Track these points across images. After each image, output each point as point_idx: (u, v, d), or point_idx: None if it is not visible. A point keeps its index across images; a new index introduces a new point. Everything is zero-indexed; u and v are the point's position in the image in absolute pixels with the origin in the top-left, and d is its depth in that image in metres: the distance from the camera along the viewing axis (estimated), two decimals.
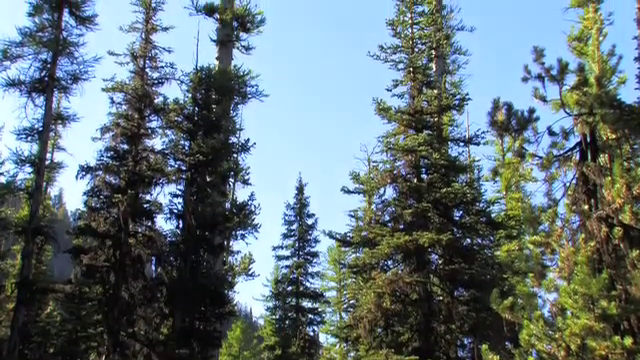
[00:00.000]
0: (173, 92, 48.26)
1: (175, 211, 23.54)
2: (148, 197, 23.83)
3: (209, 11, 27.49)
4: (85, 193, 23.19)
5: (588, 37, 14.03)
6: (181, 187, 23.86)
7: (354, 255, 29.63)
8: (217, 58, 27.38)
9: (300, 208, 42.21)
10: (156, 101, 24.65)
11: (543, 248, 12.39)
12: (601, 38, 13.33)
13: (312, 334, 41.45)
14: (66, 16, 23.91)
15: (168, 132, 24.57)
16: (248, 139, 25.84)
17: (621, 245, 11.40)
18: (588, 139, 13.15)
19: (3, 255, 27.35)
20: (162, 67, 25.11)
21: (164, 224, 23.88)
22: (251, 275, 32.33)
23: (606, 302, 10.24)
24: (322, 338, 44.46)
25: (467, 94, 24.71)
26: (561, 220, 12.60)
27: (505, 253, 24.97)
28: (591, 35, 13.62)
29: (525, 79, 13.85)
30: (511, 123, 13.86)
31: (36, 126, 22.90)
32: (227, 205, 25.61)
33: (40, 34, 23.30)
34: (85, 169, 23.20)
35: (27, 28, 23.13)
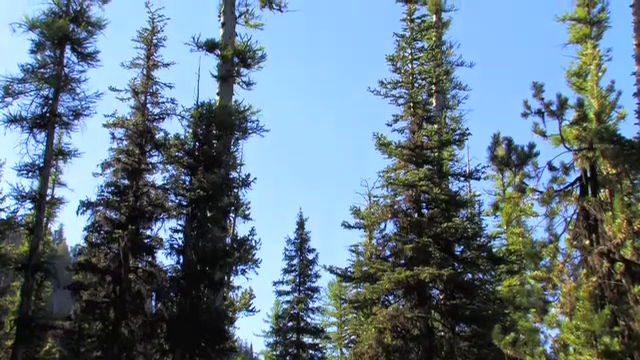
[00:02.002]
0: (174, 127, 48.50)
1: (176, 246, 23.48)
2: (149, 232, 23.80)
3: (210, 47, 27.66)
4: (86, 229, 23.16)
5: (587, 73, 14.11)
6: (182, 222, 23.81)
7: (355, 290, 29.58)
8: (218, 93, 27.50)
9: (301, 243, 42.13)
10: (157, 136, 24.69)
11: (545, 283, 12.36)
12: (600, 74, 13.41)
13: None
14: (68, 53, 24.05)
15: (169, 167, 24.58)
16: (249, 174, 25.91)
17: (623, 280, 11.37)
18: (588, 174, 13.17)
19: (2, 291, 27.26)
20: (163, 102, 25.20)
21: (164, 259, 23.89)
22: (252, 311, 32.23)
23: (609, 338, 10.19)
24: None
25: (467, 129, 24.82)
26: (562, 255, 12.58)
27: (506, 288, 24.87)
28: (590, 71, 13.70)
29: (525, 114, 13.91)
30: (511, 158, 13.89)
31: (37, 162, 22.92)
32: (228, 240, 25.57)
33: (42, 70, 23.41)
34: (86, 204, 23.18)
35: (29, 65, 23.25)
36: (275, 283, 41.64)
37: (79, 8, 24.52)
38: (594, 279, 11.22)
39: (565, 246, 12.63)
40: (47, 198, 24.73)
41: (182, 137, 24.51)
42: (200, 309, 22.32)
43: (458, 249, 22.87)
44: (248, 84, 28.16)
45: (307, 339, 41.05)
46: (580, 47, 28.40)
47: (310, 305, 41.22)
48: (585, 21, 30.29)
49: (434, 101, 30.92)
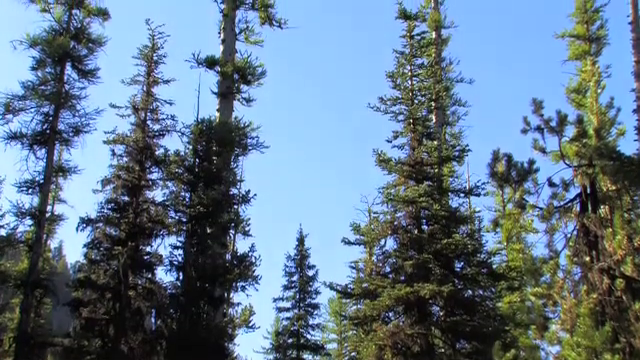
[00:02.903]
0: (174, 144, 48.41)
1: (175, 263, 23.43)
2: (148, 249, 23.75)
3: (210, 64, 27.72)
4: (85, 245, 23.12)
5: (586, 89, 14.18)
6: (181, 239, 23.77)
7: (355, 307, 29.49)
8: (218, 110, 27.53)
9: (301, 259, 41.99)
10: (157, 153, 24.70)
11: (545, 300, 12.34)
12: (599, 90, 13.45)
13: None
14: (68, 70, 24.13)
15: (169, 184, 24.56)
16: (249, 190, 25.89)
17: (624, 297, 11.35)
18: (588, 190, 13.19)
19: (2, 309, 27.19)
20: (163, 119, 25.21)
21: (164, 276, 23.75)
22: (251, 327, 32.16)
23: (610, 355, 10.16)
24: None
25: (467, 145, 24.86)
26: (563, 272, 12.57)
27: (507, 305, 24.83)
28: (589, 87, 13.75)
29: (525, 131, 13.94)
30: (511, 174, 13.91)
31: (37, 179, 22.93)
32: (228, 257, 25.52)
33: (42, 87, 23.47)
34: (85, 221, 23.17)
35: (30, 82, 23.32)
36: (275, 300, 41.48)
37: (80, 25, 24.63)
38: (595, 296, 11.20)
39: (565, 262, 12.63)
40: (47, 215, 24.73)
41: (182, 153, 24.52)
42: (200, 326, 22.25)
43: (458, 265, 22.82)
44: (248, 100, 28.21)
45: (307, 356, 40.86)
46: (579, 64, 28.53)
47: (310, 322, 41.04)
48: (584, 38, 30.45)
49: (434, 117, 30.94)
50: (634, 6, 25.63)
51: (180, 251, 23.52)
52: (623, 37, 26.18)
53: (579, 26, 31.25)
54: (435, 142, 24.31)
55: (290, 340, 40.64)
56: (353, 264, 30.58)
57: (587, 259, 12.14)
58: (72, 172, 24.81)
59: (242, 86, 28.17)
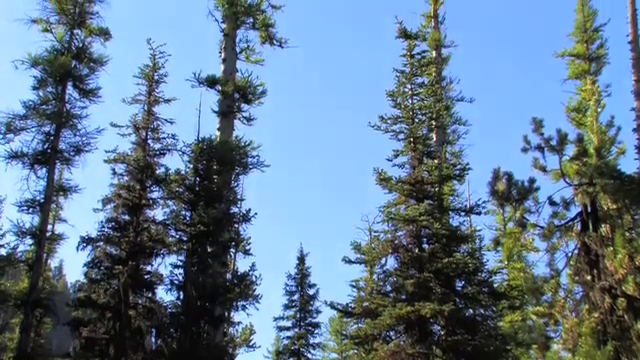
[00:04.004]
0: (175, 163, 48.55)
1: (176, 282, 23.38)
2: (149, 268, 23.72)
3: (211, 83, 27.77)
4: (85, 264, 23.09)
5: (586, 108, 14.21)
6: (182, 258, 23.73)
7: (356, 326, 29.37)
8: (219, 129, 27.55)
9: (301, 278, 41.95)
10: (158, 172, 24.73)
11: (546, 319, 12.31)
12: (599, 109, 13.48)
13: None
14: (70, 89, 24.20)
15: (169, 203, 24.58)
16: (249, 209, 25.83)
17: (625, 316, 11.32)
18: (589, 209, 13.18)
19: (2, 328, 27.11)
20: (164, 138, 25.26)
21: (165, 295, 23.71)
22: (252, 347, 31.99)
23: None
24: None
25: (467, 164, 24.83)
26: (564, 290, 12.55)
27: (508, 324, 24.75)
28: (589, 106, 13.78)
29: (525, 149, 13.98)
30: (512, 193, 13.92)
31: (38, 198, 22.93)
32: (228, 276, 25.46)
33: (44, 107, 23.52)
34: (86, 240, 23.16)
35: (31, 101, 23.38)
36: (276, 319, 41.41)
37: (81, 45, 24.73)
38: (596, 315, 11.17)
39: (566, 281, 12.61)
40: (47, 234, 24.73)
41: (183, 172, 24.54)
42: (200, 345, 22.18)
43: (459, 284, 22.75)
44: (249, 119, 28.25)
45: None
46: (579, 83, 28.60)
47: (311, 341, 40.94)
48: (584, 57, 30.55)
49: (434, 136, 30.99)
50: (633, 25, 25.70)
51: (180, 270, 23.49)
52: (623, 56, 26.19)
53: (579, 45, 31.37)
54: (436, 161, 24.30)
55: (291, 359, 40.51)
56: (354, 283, 30.55)
57: (588, 278, 12.12)
58: (73, 191, 24.83)
59: (243, 105, 28.21)
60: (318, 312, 41.49)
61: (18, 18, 24.33)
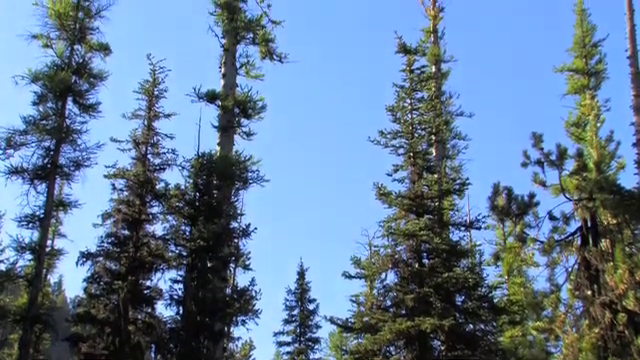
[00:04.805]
0: (175, 178, 48.48)
1: (175, 297, 23.34)
2: (148, 283, 23.72)
3: (211, 98, 27.80)
4: (85, 280, 23.09)
5: (586, 123, 14.24)
6: (182, 273, 23.71)
7: (356, 341, 29.28)
8: (218, 144, 27.56)
9: (301, 293, 41.93)
10: (157, 187, 24.75)
11: (547, 334, 12.28)
12: (599, 124, 13.51)
13: None
14: (70, 104, 24.16)
15: (169, 218, 24.58)
16: (249, 224, 25.81)
17: (626, 332, 11.29)
18: (589, 224, 13.17)
19: (1, 344, 27.00)
20: (164, 153, 25.33)
21: (164, 310, 23.66)
22: None
23: None
24: None
25: (467, 179, 24.86)
26: (564, 306, 12.52)
27: (508, 339, 24.69)
28: (589, 121, 13.80)
29: (525, 164, 13.98)
30: (511, 208, 13.92)
31: (37, 213, 22.86)
32: (228, 291, 25.43)
33: (44, 122, 23.49)
34: (85, 255, 23.15)
35: (31, 117, 23.34)
36: (275, 334, 41.36)
37: (81, 60, 24.73)
38: (597, 330, 11.14)
39: (567, 296, 12.58)
40: (47, 249, 24.67)
41: (183, 187, 24.55)
42: None
43: (459, 299, 22.72)
44: (249, 134, 28.26)
45: None
46: (579, 97, 28.67)
47: (311, 356, 40.91)
48: (583, 72, 30.63)
49: (434, 151, 31.01)
50: (632, 40, 25.79)
51: (180, 285, 23.46)
52: (622, 71, 26.25)
53: (578, 60, 31.47)
54: (435, 175, 24.33)
55: None
56: (354, 298, 30.48)
57: (589, 293, 12.10)
58: (72, 206, 24.73)
59: (243, 120, 28.24)
60: (318, 327, 41.49)
61: (19, 34, 24.36)
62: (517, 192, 14.09)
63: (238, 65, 29.17)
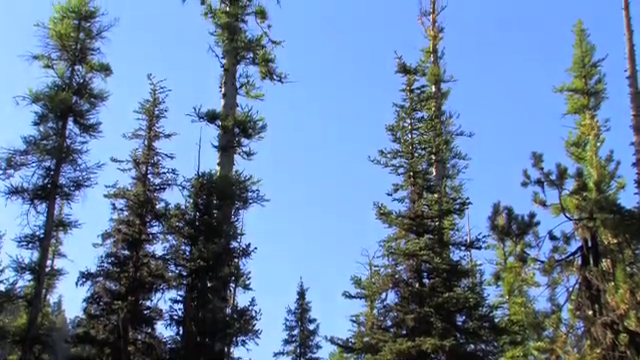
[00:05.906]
0: (175, 197, 48.45)
1: (175, 317, 23.28)
2: (148, 303, 23.66)
3: (211, 118, 27.87)
4: (85, 300, 23.04)
5: (586, 142, 14.25)
6: (182, 293, 23.66)
7: None
8: (219, 164, 27.59)
9: (301, 313, 41.73)
10: (158, 207, 24.76)
11: (548, 355, 12.24)
12: (599, 144, 13.53)
13: None
14: (70, 124, 24.21)
15: (169, 237, 24.57)
16: (249, 244, 25.77)
17: (628, 352, 11.25)
18: (589, 243, 13.15)
19: None
20: (164, 173, 25.36)
21: (164, 331, 23.59)
22: None
23: None
24: None
25: (467, 198, 24.91)
26: (565, 326, 12.49)
27: (509, 359, 24.56)
28: (589, 140, 13.82)
29: (525, 184, 13.97)
30: (512, 227, 13.90)
31: (37, 233, 22.84)
32: (228, 311, 25.34)
33: (44, 142, 23.53)
34: (85, 275, 23.12)
35: (32, 137, 23.38)
36: (276, 354, 41.08)
37: (82, 81, 24.82)
38: (598, 350, 11.10)
39: (568, 316, 12.54)
40: (46, 269, 24.60)
41: (183, 207, 24.55)
42: None
43: (460, 319, 22.66)
44: (249, 154, 28.30)
45: None
46: (578, 117, 28.73)
47: None
48: (583, 92, 30.71)
49: (434, 170, 31.03)
50: (631, 60, 25.82)
51: (180, 305, 23.40)
52: (621, 91, 26.29)
53: (577, 80, 31.55)
54: (435, 195, 24.34)
55: None
56: (354, 318, 30.42)
57: (590, 313, 12.06)
58: (72, 226, 24.70)
59: (243, 140, 28.29)
60: (318, 347, 41.23)
61: (20, 54, 24.44)
62: (517, 212, 14.08)
63: (238, 85, 29.26)
